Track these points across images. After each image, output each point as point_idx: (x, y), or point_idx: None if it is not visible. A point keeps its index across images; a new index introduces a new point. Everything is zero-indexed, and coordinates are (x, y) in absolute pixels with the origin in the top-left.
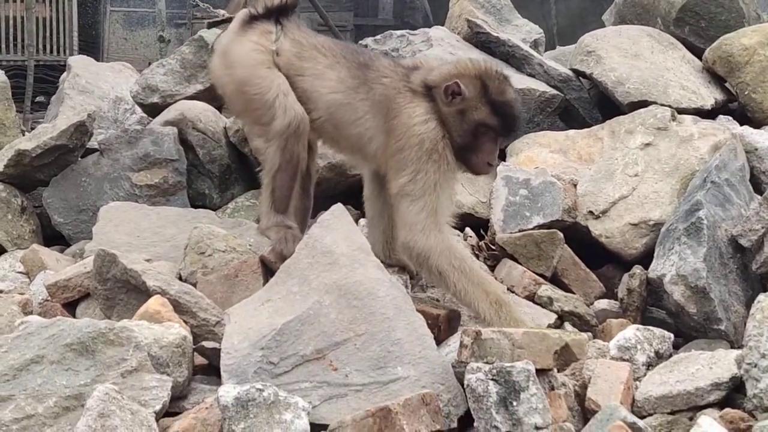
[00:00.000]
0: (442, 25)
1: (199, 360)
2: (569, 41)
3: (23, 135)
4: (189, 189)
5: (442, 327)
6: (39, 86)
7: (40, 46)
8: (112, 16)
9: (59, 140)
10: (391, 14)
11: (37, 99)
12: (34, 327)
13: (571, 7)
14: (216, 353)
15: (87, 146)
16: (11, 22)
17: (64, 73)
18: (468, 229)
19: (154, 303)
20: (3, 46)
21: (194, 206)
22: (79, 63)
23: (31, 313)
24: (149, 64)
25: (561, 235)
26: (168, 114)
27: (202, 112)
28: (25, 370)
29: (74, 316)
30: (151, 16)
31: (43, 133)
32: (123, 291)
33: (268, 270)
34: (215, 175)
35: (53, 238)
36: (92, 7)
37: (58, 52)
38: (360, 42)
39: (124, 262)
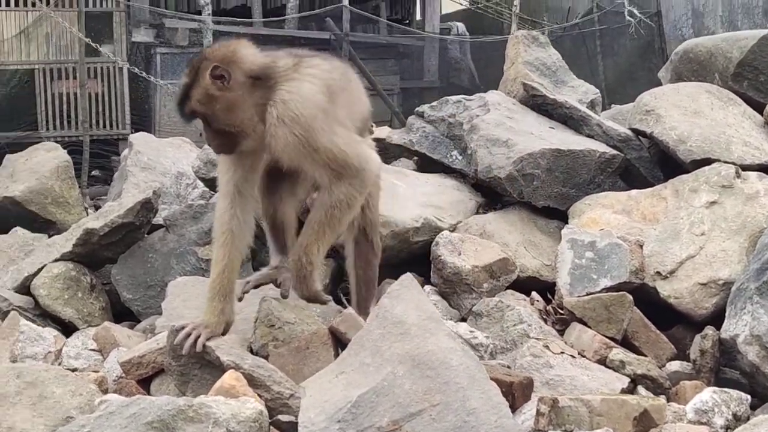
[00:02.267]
0: (490, 85)
1: None
2: (618, 98)
3: (86, 212)
4: (253, 261)
5: (516, 394)
6: (94, 161)
7: (94, 122)
8: (163, 89)
9: (126, 218)
10: (437, 76)
11: (93, 173)
12: (114, 406)
13: (618, 63)
14: (292, 427)
15: (152, 222)
16: (65, 98)
17: (126, 150)
18: (534, 293)
19: (228, 378)
20: (58, 122)
21: None
22: (140, 140)
23: (107, 390)
24: (201, 135)
25: (630, 297)
26: None
27: None
28: None
29: (149, 393)
30: None
31: (109, 212)
32: (197, 366)
33: (338, 340)
34: None
35: (122, 314)
36: (143, 81)
37: (111, 126)
38: (416, 109)
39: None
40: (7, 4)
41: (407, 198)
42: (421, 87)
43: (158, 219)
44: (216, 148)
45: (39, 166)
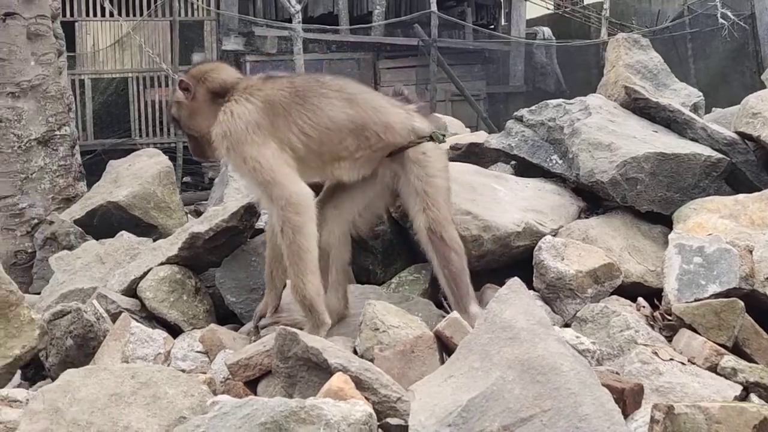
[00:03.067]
0: (576, 90)
1: None
2: (711, 101)
3: (186, 216)
4: (353, 264)
5: (627, 401)
6: (186, 167)
7: None
8: None
9: (230, 222)
10: (523, 81)
11: (184, 180)
12: (228, 407)
13: (710, 66)
14: (401, 430)
15: (255, 227)
16: (157, 106)
17: None
18: (641, 299)
19: (337, 380)
20: (150, 130)
21: (358, 282)
22: None
23: (215, 392)
24: None
25: (741, 303)
26: None
27: None
28: None
29: (255, 394)
30: None
31: (213, 216)
32: (304, 369)
33: (443, 345)
34: (378, 250)
35: (226, 317)
36: None
37: None
38: (515, 114)
39: (305, 340)
40: (102, 15)
41: (508, 202)
42: (506, 92)
43: (260, 223)
44: (193, 153)
45: (142, 172)
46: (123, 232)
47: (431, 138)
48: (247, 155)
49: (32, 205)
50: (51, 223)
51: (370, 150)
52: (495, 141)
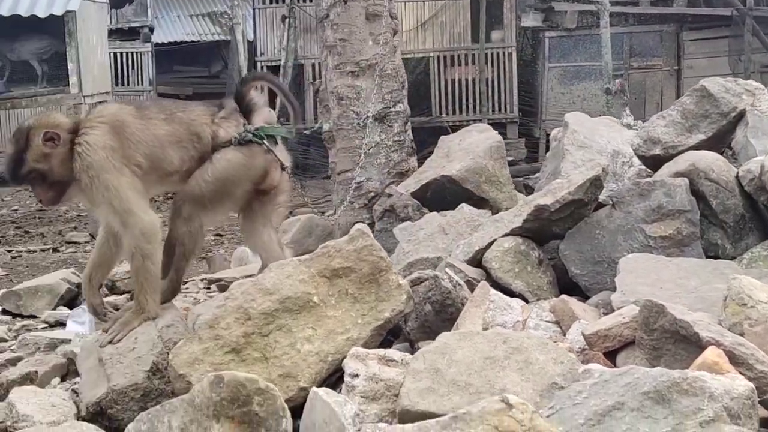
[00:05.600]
0: None
1: (762, 413)
2: None
3: (515, 190)
4: (701, 240)
5: None
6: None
7: (484, 107)
8: (550, 72)
9: (575, 195)
10: None
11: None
12: (608, 375)
13: None
14: None
15: (599, 200)
16: (457, 84)
17: (555, 130)
18: None
19: (711, 354)
20: (451, 108)
21: (707, 257)
22: (574, 119)
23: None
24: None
25: None
26: (676, 165)
27: (713, 162)
28: (608, 416)
29: (614, 365)
30: (586, 70)
31: (558, 189)
32: (670, 341)
33: None
34: (729, 225)
35: (568, 288)
36: (531, 65)
37: (500, 110)
38: None
39: (673, 313)
40: None
41: None
42: None
43: (601, 196)
44: (47, 202)
45: (473, 147)
46: (463, 204)
47: (240, 142)
48: (109, 183)
49: (369, 179)
50: (389, 195)
51: (192, 161)
52: None
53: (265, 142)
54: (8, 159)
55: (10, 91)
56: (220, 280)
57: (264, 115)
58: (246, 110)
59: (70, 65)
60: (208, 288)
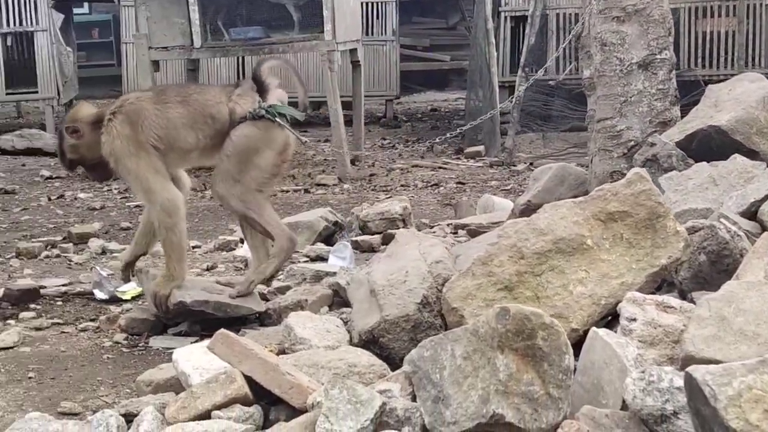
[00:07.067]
0: None
1: None
2: None
3: None
4: None
5: None
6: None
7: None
8: None
9: None
10: None
11: None
12: None
13: None
14: None
15: None
16: (708, 37)
17: None
18: None
19: None
20: (699, 61)
21: None
22: None
23: None
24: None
25: None
26: None
27: None
28: None
29: None
30: None
31: None
32: None
33: None
34: None
35: None
36: None
37: (760, 64)
38: None
39: None
40: None
41: None
42: None
43: None
44: (98, 179)
45: (744, 96)
46: (736, 155)
47: (254, 117)
48: (129, 167)
49: (629, 128)
50: (652, 144)
51: (207, 139)
52: None
53: (277, 119)
54: (57, 151)
55: (269, 37)
56: (467, 225)
57: (277, 94)
58: (261, 89)
59: (325, 12)
60: (455, 233)
